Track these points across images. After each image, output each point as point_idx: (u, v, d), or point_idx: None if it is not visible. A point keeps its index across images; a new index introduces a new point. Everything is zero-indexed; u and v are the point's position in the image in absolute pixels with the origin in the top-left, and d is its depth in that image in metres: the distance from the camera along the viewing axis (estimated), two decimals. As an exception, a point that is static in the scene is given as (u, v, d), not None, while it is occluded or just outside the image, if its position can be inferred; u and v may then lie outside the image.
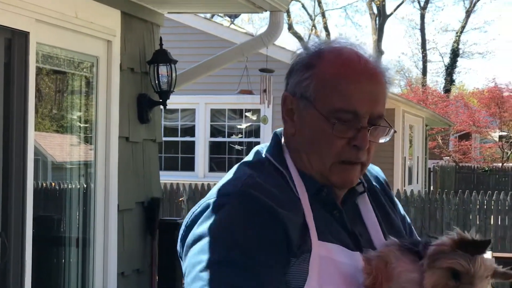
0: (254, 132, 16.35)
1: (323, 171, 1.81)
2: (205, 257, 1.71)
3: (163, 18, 6.37)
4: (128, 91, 5.80)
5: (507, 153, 33.17)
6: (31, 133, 4.80)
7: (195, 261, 1.73)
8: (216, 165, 16.48)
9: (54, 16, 4.96)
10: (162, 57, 5.95)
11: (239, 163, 1.93)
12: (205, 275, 1.70)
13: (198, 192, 12.76)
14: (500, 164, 30.72)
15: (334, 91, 1.77)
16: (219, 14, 16.39)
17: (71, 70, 5.50)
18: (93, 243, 5.59)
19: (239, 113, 16.41)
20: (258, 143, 15.66)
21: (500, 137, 33.54)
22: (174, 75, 6.00)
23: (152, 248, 6.12)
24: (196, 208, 1.83)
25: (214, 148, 16.69)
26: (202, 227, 1.76)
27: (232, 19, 17.89)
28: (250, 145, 16.25)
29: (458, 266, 1.67)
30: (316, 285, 1.71)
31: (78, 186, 5.63)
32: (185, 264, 1.80)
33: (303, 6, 42.20)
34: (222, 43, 11.75)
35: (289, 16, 38.13)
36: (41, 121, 5.12)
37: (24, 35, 4.70)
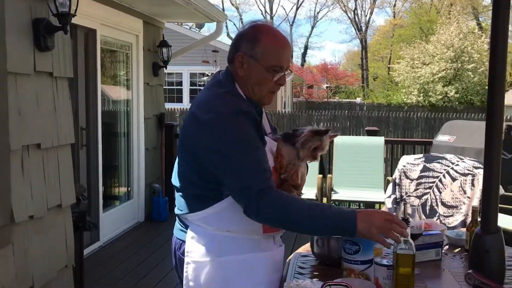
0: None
1: (261, 97, 1.66)
2: (226, 147, 1.52)
3: (164, 24, 6.18)
4: (147, 60, 5.68)
5: (329, 94, 33.69)
6: (99, 84, 4.71)
7: (226, 148, 1.52)
8: (192, 98, 16.16)
9: (109, 22, 4.85)
10: (164, 43, 5.84)
11: (214, 90, 1.65)
12: (237, 156, 1.52)
13: (184, 112, 12.15)
14: (326, 99, 30.91)
15: (271, 55, 1.61)
16: (192, 27, 15.93)
17: (118, 49, 5.36)
18: (132, 135, 5.54)
19: (202, 74, 16.21)
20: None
21: (326, 86, 34.14)
22: (170, 53, 5.90)
23: (161, 136, 6.07)
24: (206, 116, 1.55)
25: (191, 91, 16.48)
26: (221, 130, 1.53)
27: (199, 29, 17.46)
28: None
29: (316, 145, 1.67)
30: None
31: (124, 109, 5.52)
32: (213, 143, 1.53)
33: (234, 24, 42.28)
34: (192, 39, 11.46)
35: (227, 27, 38.27)
36: (103, 77, 4.94)
37: (95, 30, 4.61)
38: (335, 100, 31.58)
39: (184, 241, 1.69)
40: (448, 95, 23.30)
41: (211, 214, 1.61)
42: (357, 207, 6.11)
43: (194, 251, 1.65)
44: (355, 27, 41.83)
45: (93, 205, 4.64)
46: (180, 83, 16.12)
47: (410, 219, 1.88)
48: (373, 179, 5.52)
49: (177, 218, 1.76)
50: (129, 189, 5.65)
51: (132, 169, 5.61)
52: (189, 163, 1.63)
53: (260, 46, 1.61)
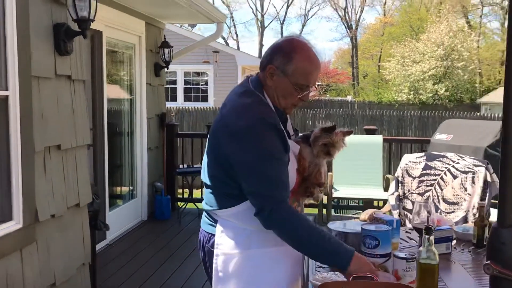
0: (206, 81, 16.26)
1: (285, 107, 1.75)
2: (252, 156, 1.62)
3: (165, 25, 6.25)
4: (149, 61, 5.76)
5: (320, 92, 33.18)
6: (105, 84, 4.79)
7: (251, 158, 1.62)
8: (186, 97, 16.19)
9: (114, 24, 4.92)
10: (166, 44, 5.91)
11: (244, 98, 1.71)
12: (261, 166, 1.62)
13: (180, 111, 11.91)
14: (318, 97, 30.16)
15: (301, 75, 1.69)
16: (184, 25, 15.68)
17: (122, 50, 5.41)
18: (135, 134, 5.62)
19: (196, 73, 16.11)
20: (206, 89, 15.84)
21: (318, 84, 33.51)
22: (171, 53, 5.96)
23: (162, 136, 6.15)
24: (237, 124, 1.64)
25: (185, 89, 16.40)
26: (250, 140, 1.62)
27: (191, 28, 17.31)
28: (205, 90, 16.27)
29: (325, 141, 1.74)
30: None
31: (127, 108, 5.57)
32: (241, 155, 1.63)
33: (224, 23, 42.32)
34: (190, 40, 11.34)
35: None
36: (108, 78, 4.97)
37: (101, 32, 4.70)
38: (326, 98, 31.69)
39: (213, 235, 1.78)
40: (438, 93, 23.55)
41: (240, 211, 1.70)
42: (356, 204, 6.26)
43: (224, 243, 1.75)
44: (346, 25, 42.05)
45: (101, 205, 4.71)
46: (174, 82, 16.06)
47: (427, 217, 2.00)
48: (372, 176, 5.65)
49: (204, 212, 1.87)
50: (132, 188, 5.73)
51: (135, 168, 5.69)
52: (220, 165, 1.71)
53: (293, 64, 1.69)
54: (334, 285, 1.53)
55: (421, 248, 1.61)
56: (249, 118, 1.64)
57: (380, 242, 1.85)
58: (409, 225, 2.94)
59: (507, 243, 1.39)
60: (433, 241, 1.59)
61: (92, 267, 3.51)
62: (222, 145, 1.68)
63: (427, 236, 1.60)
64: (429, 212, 2.09)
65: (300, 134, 1.92)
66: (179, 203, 6.34)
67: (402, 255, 1.74)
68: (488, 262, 1.42)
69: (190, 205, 6.17)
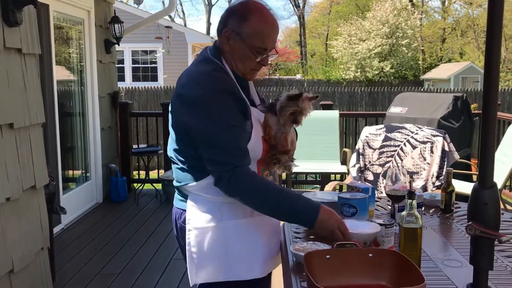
0: (156, 61, 15.84)
1: (244, 73, 1.69)
2: (208, 124, 1.57)
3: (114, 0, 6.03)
4: (99, 37, 5.52)
5: (270, 71, 33.02)
6: (54, 62, 4.58)
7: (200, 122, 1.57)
8: (134, 77, 15.76)
9: (60, -4, 4.70)
10: (116, 19, 5.67)
11: (201, 66, 1.66)
12: (218, 133, 1.57)
13: (129, 91, 11.52)
14: (268, 76, 29.97)
15: (256, 37, 1.62)
16: (129, 2, 15.01)
17: (70, 25, 5.14)
18: (87, 114, 5.40)
19: (144, 52, 15.71)
20: (155, 67, 15.40)
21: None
22: (122, 29, 5.73)
23: (116, 115, 5.95)
24: (192, 93, 1.59)
25: (133, 69, 15.96)
26: (205, 107, 1.57)
27: (137, 5, 16.70)
28: (155, 69, 15.80)
29: (292, 110, 1.69)
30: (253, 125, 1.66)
31: (78, 87, 5.33)
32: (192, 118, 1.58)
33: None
34: (139, 17, 10.97)
35: (163, 3, 36.75)
36: (57, 55, 4.73)
37: (47, 6, 4.46)
38: (276, 77, 31.70)
39: (184, 210, 1.74)
40: (384, 70, 24.12)
41: (209, 183, 1.65)
42: (314, 178, 6.32)
43: (195, 218, 1.71)
44: (293, 3, 42.07)
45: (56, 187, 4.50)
46: (121, 61, 15.48)
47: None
48: (329, 151, 5.71)
49: (176, 189, 1.80)
50: (86, 170, 5.51)
51: (88, 149, 5.47)
52: (183, 139, 1.67)
53: (247, 26, 1.63)
54: (319, 253, 1.51)
55: (403, 213, 1.61)
56: (204, 86, 1.59)
57: (358, 209, 1.86)
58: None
59: (489, 203, 1.41)
60: (415, 205, 1.59)
61: (51, 252, 3.35)
62: (180, 116, 1.63)
63: (409, 201, 1.60)
64: (396, 178, 2.11)
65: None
66: (135, 184, 6.17)
67: (380, 221, 1.74)
68: (470, 223, 1.43)
69: (147, 186, 6.03)
